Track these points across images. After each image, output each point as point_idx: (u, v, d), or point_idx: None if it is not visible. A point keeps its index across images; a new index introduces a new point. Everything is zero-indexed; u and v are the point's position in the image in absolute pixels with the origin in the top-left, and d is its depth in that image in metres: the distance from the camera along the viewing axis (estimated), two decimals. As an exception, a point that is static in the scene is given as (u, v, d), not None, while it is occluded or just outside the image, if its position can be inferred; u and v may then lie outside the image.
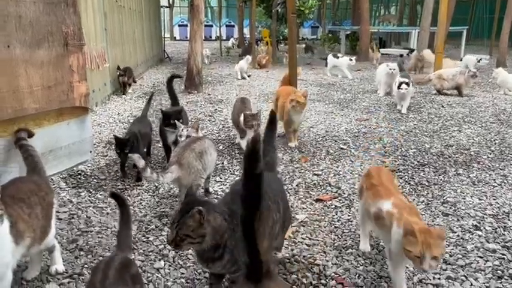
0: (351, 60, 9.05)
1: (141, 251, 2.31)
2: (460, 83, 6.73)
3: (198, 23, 7.08)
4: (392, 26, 19.36)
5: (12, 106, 2.31)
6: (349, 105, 6.13)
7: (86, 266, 2.16)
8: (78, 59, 2.72)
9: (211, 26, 23.93)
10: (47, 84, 2.52)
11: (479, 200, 2.92)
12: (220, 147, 4.11)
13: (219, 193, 3.06)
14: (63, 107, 2.64)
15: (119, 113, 5.48)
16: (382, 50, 14.59)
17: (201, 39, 7.22)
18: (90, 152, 2.85)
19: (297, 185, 3.21)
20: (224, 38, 19.48)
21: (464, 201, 2.89)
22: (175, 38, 23.84)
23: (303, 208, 2.84)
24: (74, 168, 3.24)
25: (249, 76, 8.95)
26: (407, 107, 5.72)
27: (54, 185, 3.13)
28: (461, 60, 8.93)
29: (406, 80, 5.55)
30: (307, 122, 5.08)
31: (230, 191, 1.99)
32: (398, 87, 5.51)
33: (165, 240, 2.40)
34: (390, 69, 6.51)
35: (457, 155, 3.85)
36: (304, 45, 15.09)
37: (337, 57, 9.19)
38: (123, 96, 6.61)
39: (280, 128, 4.45)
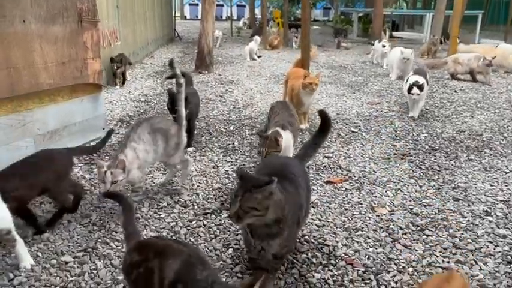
0: (384, 46, 8.06)
1: (153, 227, 2.35)
2: (473, 68, 6.63)
3: (210, 2, 7.02)
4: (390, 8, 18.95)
5: (28, 81, 2.33)
6: (361, 89, 6.08)
7: (99, 240, 2.20)
8: (92, 36, 2.73)
9: (222, 5, 23.66)
10: (61, 60, 2.54)
11: (491, 186, 2.91)
12: (231, 128, 4.12)
13: (229, 173, 3.08)
14: (77, 84, 2.65)
15: (130, 92, 5.50)
16: (395, 34, 14.38)
17: (212, 19, 7.16)
18: (103, 128, 2.87)
19: (307, 167, 3.22)
20: (235, 18, 19.29)
21: (476, 187, 2.88)
22: (185, 17, 23.66)
23: (313, 190, 2.85)
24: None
25: (259, 57, 8.88)
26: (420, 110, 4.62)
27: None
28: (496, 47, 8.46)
29: (420, 82, 4.38)
30: (318, 104, 5.06)
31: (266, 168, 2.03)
32: (409, 91, 4.39)
33: (177, 217, 2.44)
34: (404, 58, 6.39)
35: (469, 141, 3.83)
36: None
37: (384, 46, 8.10)
38: (117, 87, 5.69)
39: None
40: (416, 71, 4.87)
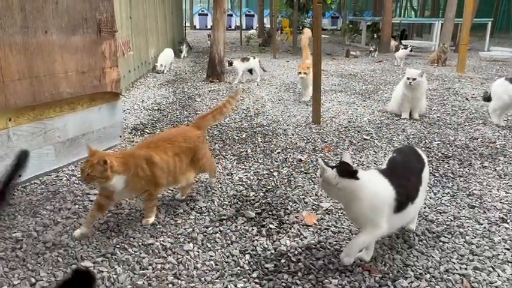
0: None
1: (170, 233, 2.38)
2: None
3: (221, 12, 7.10)
4: None
5: (48, 90, 2.39)
6: (371, 96, 6.09)
7: (118, 246, 2.23)
8: (110, 46, 2.79)
9: (231, 15, 23.91)
10: (81, 69, 2.59)
11: (506, 193, 2.91)
12: (244, 136, 4.15)
13: (243, 180, 3.11)
14: (96, 92, 2.71)
15: (143, 100, 5.57)
16: (404, 42, 14.35)
17: (223, 28, 7.25)
18: (120, 136, 2.92)
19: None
20: (244, 27, 19.43)
21: (491, 194, 2.88)
22: (195, 27, 23.91)
23: (327, 197, 2.86)
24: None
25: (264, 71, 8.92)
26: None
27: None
28: None
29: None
30: (329, 112, 5.08)
31: None
32: None
33: (193, 223, 2.47)
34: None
35: (482, 148, 3.82)
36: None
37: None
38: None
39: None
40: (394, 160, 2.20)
